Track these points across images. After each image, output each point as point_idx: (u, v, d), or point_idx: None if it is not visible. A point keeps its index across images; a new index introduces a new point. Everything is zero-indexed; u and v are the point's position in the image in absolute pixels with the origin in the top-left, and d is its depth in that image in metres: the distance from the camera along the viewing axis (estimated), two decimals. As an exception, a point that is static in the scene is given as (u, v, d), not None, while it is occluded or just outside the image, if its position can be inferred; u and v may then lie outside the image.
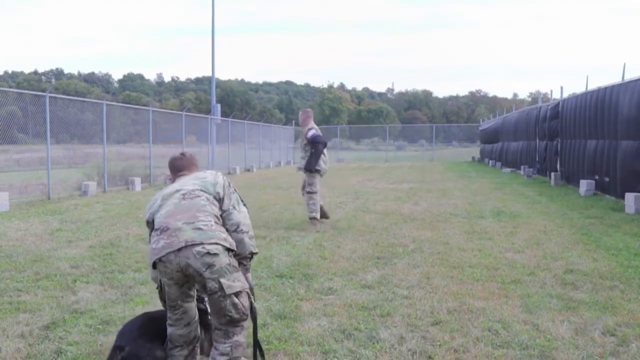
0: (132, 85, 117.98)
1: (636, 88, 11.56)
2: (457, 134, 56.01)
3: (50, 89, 15.23)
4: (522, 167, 22.89)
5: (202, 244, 3.19)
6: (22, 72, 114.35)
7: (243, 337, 3.36)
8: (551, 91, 22.02)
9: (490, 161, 32.60)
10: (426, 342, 4.12)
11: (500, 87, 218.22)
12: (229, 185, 3.65)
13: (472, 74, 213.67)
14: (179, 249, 3.18)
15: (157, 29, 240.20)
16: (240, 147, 29.32)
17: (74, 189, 15.26)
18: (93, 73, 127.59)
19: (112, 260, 6.90)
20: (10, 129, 13.16)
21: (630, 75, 12.35)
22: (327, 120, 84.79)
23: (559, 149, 17.82)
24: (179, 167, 3.85)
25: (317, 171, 9.25)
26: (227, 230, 3.48)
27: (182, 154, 3.95)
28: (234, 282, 3.25)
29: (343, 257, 6.96)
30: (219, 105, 27.16)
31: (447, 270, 6.28)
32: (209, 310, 3.50)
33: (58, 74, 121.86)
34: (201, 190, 3.48)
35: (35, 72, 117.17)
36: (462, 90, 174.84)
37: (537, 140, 20.95)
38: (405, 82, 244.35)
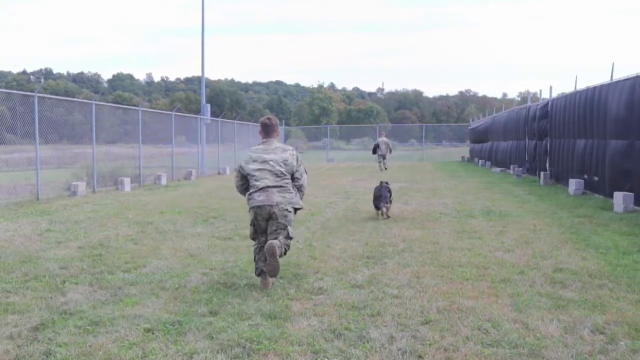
0: (122, 85, 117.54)
1: (625, 88, 11.63)
2: (447, 134, 56.21)
3: (39, 89, 15.10)
4: (511, 166, 22.97)
5: (284, 205, 5.66)
6: (10, 72, 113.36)
7: (280, 242, 5.54)
8: (541, 91, 22.25)
9: (480, 161, 32.69)
10: (416, 342, 4.13)
11: (490, 87, 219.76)
12: (298, 160, 5.85)
13: (462, 74, 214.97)
14: (271, 205, 5.61)
15: (147, 29, 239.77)
16: (231, 148, 29.23)
17: (63, 189, 15.17)
18: (82, 73, 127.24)
19: (102, 261, 6.87)
20: (-2, 129, 13.06)
21: (618, 75, 12.43)
22: (317, 120, 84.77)
23: (548, 148, 17.90)
24: (267, 131, 5.94)
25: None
26: (295, 186, 5.84)
27: (270, 119, 6.05)
28: (293, 229, 5.91)
29: (333, 257, 6.96)
30: (209, 106, 27.08)
31: (437, 269, 6.30)
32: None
33: (47, 74, 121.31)
34: (287, 172, 5.76)
35: (24, 72, 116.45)
36: (452, 90, 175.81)
37: (527, 140, 21.05)
38: (395, 82, 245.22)
